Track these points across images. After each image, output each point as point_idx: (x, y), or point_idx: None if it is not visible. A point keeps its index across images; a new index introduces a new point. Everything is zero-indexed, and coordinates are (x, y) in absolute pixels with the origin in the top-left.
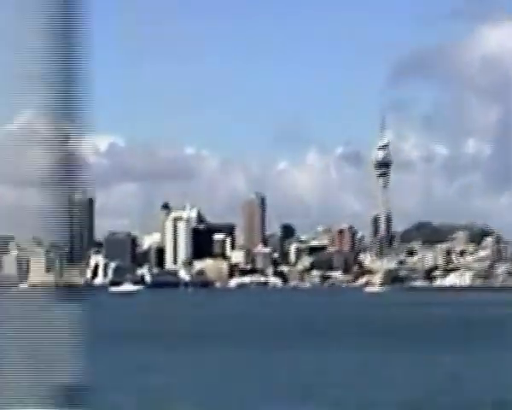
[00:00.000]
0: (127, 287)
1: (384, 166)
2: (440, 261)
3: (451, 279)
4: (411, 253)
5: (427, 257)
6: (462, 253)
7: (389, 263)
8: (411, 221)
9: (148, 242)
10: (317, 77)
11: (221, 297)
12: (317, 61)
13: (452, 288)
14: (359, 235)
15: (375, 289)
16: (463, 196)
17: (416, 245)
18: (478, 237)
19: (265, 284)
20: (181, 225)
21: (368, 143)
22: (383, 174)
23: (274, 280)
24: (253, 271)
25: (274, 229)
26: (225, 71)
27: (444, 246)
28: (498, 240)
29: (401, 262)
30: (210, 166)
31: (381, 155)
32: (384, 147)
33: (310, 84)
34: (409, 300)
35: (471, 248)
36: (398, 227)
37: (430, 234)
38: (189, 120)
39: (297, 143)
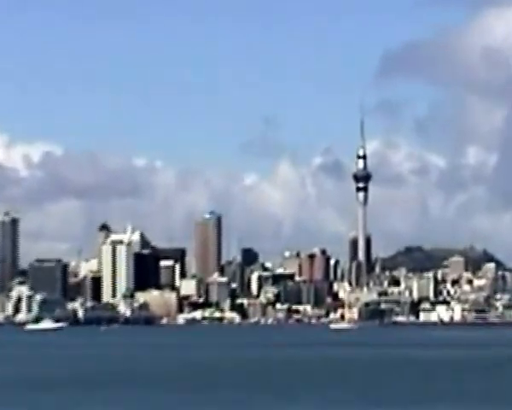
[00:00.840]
0: (46, 324)
1: (363, 179)
2: (429, 292)
3: (441, 313)
4: (396, 282)
5: (414, 287)
6: (455, 282)
7: (369, 295)
8: (399, 245)
9: (84, 270)
10: (291, 75)
11: (157, 336)
12: (291, 57)
13: (442, 323)
14: (333, 261)
15: (343, 325)
16: (461, 215)
17: (401, 273)
18: (476, 263)
19: (221, 319)
20: (121, 250)
21: (351, 151)
22: (362, 189)
23: (231, 315)
24: (206, 304)
25: (234, 254)
26: (182, 70)
27: (434, 274)
28: (499, 267)
29: (383, 293)
30: (164, 180)
31: (360, 166)
32: (363, 157)
33: (281, 84)
34: (380, 338)
35: (467, 276)
36: (383, 252)
37: (420, 260)
38: (139, 126)
39: (267, 153)
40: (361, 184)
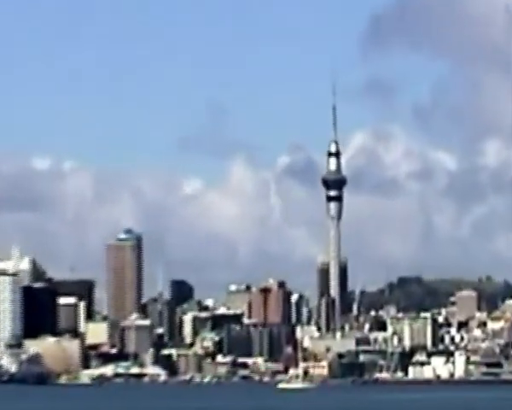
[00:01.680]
0: None
1: (335, 185)
2: (427, 340)
3: (438, 368)
4: (381, 326)
5: (406, 333)
6: (462, 325)
7: (343, 343)
8: (389, 275)
9: None
10: (246, 52)
11: (45, 400)
12: (248, 27)
13: (439, 381)
14: (295, 297)
15: (296, 384)
16: (476, 234)
17: (389, 313)
18: (493, 299)
19: (140, 376)
20: (4, 283)
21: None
22: (334, 198)
23: (154, 371)
24: (121, 356)
25: (160, 289)
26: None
27: (432, 315)
28: None
29: (362, 341)
30: (75, 188)
31: (331, 167)
32: (335, 154)
33: (233, 61)
34: (338, 405)
35: (479, 317)
36: (367, 284)
37: (418, 296)
38: (42, 118)
39: (215, 152)
40: (333, 192)
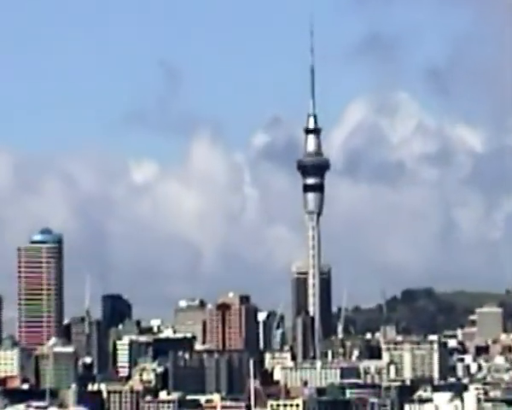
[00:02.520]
0: None
1: (313, 170)
2: (433, 370)
3: (441, 405)
4: (375, 353)
5: (406, 361)
6: (481, 351)
7: (324, 375)
8: (393, 287)
9: None
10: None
11: None
12: None
13: None
14: (263, 315)
15: None
16: (505, 235)
17: (387, 336)
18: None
19: None
20: None
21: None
22: (313, 188)
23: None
24: (35, 393)
25: (88, 305)
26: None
27: (439, 338)
28: None
29: (350, 373)
30: None
31: (309, 147)
32: (314, 132)
33: (190, 18)
34: None
35: (504, 340)
36: (361, 299)
37: (427, 314)
38: None
39: (171, 128)
40: (311, 180)
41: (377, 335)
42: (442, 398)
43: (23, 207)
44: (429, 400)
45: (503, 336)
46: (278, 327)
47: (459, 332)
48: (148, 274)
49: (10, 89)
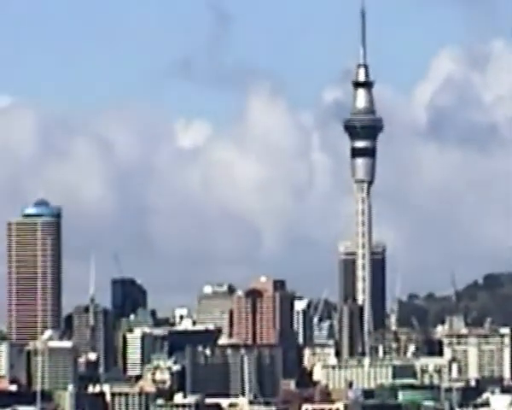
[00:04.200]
0: None
1: (363, 132)
2: (504, 369)
3: (497, 407)
4: (436, 349)
5: (471, 359)
6: None
7: (375, 375)
8: (471, 272)
9: None
10: None
11: None
12: None
13: None
14: (303, 303)
15: None
16: None
17: (454, 328)
18: None
19: None
20: None
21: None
22: (362, 152)
23: None
24: (26, 396)
25: (92, 293)
26: None
27: None
28: None
29: (404, 372)
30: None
31: (359, 104)
32: (364, 85)
33: None
34: None
35: None
36: (429, 286)
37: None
38: None
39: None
40: (360, 143)
41: (440, 328)
42: (500, 402)
43: (49, 176)
44: (485, 404)
45: None
46: (322, 318)
47: None
48: (195, 258)
49: (36, 34)
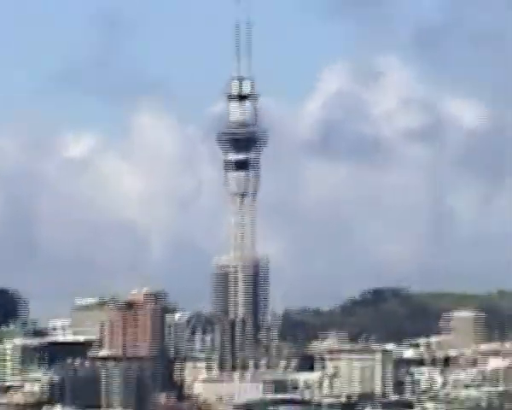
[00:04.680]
0: None
1: (238, 144)
2: (375, 386)
3: None
4: (310, 365)
5: (343, 374)
6: (449, 362)
7: (250, 389)
8: (361, 286)
9: None
10: None
11: None
12: None
13: None
14: (179, 315)
15: None
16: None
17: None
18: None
19: None
20: None
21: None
22: (237, 166)
23: None
24: None
25: None
26: None
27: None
28: None
29: (281, 386)
30: None
31: (232, 116)
32: (239, 98)
33: None
34: None
35: (476, 349)
36: (321, 301)
37: (395, 318)
38: None
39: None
40: (236, 156)
41: (317, 343)
42: None
43: None
44: None
45: (483, 346)
46: (194, 331)
47: (433, 339)
48: (80, 268)
49: None
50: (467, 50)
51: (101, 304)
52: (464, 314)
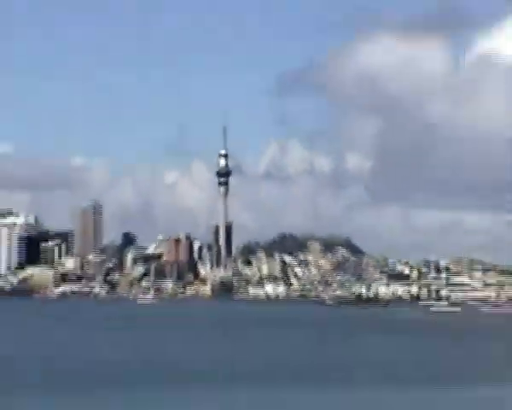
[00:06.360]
0: None
1: (224, 175)
2: (276, 271)
3: (269, 290)
4: (249, 263)
5: (263, 268)
6: (301, 263)
7: (225, 273)
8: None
9: None
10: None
11: None
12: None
13: (268, 299)
14: (197, 245)
15: (147, 300)
16: (346, 210)
17: (258, 256)
18: (331, 248)
19: (89, 293)
20: (3, 232)
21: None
22: (223, 183)
23: (98, 289)
24: (80, 278)
25: (112, 238)
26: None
27: (281, 256)
28: (357, 254)
29: (237, 273)
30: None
31: (222, 163)
32: (224, 156)
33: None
34: (178, 312)
35: (320, 259)
36: (266, 236)
37: (291, 246)
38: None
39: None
40: (222, 179)
41: (252, 256)
42: (271, 286)
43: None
44: (276, 286)
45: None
46: (207, 250)
47: (300, 255)
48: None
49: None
50: None
51: (164, 241)
52: (314, 245)
